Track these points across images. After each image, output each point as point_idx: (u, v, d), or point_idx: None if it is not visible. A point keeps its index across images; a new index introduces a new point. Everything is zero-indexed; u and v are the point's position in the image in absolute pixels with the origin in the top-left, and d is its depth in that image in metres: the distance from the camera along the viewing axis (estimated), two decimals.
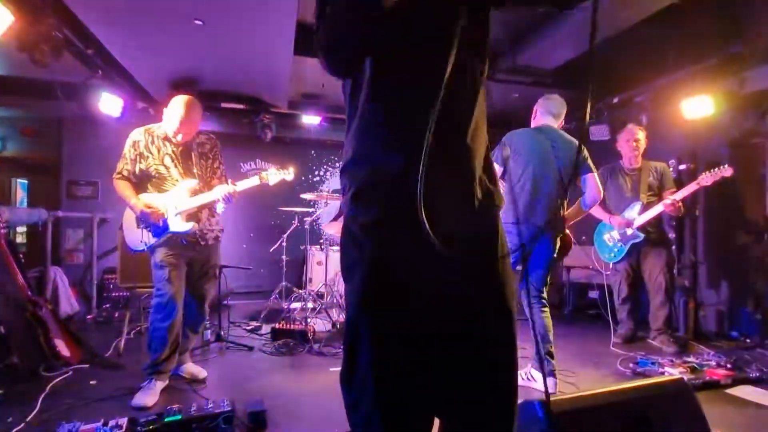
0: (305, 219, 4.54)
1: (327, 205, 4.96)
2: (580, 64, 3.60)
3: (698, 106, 3.36)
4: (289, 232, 4.59)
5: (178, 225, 2.32)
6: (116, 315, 4.27)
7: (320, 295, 4.21)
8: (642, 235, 3.28)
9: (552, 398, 1.15)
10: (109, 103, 3.77)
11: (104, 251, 4.70)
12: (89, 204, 4.73)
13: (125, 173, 2.37)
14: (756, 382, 2.53)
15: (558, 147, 2.47)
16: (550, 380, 2.34)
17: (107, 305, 4.53)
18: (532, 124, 2.68)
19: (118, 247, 3.34)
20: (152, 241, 2.35)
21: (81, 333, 3.20)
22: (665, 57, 3.53)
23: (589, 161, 2.49)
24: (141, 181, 2.40)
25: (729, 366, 2.67)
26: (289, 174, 2.58)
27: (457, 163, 0.89)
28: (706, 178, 3.03)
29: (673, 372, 2.56)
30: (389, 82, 0.87)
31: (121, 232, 2.59)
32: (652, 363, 2.76)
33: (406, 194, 0.81)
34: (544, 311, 2.43)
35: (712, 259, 3.73)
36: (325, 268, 4.28)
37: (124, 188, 2.36)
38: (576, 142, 2.50)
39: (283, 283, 4.48)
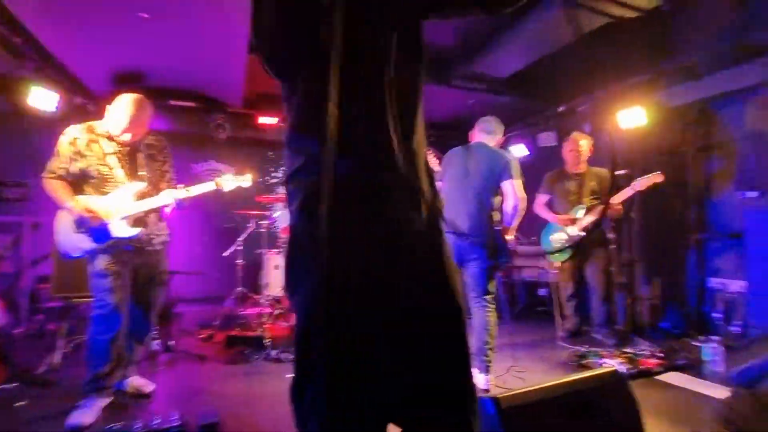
0: (261, 222, 4.43)
1: (284, 209, 4.86)
2: (531, 73, 3.80)
3: (632, 117, 3.64)
4: (244, 235, 4.45)
5: (123, 230, 2.18)
6: (50, 327, 3.93)
7: (278, 300, 4.11)
8: (586, 236, 3.50)
9: (502, 395, 1.21)
10: (40, 98, 3.47)
11: (36, 258, 4.31)
12: (18, 207, 4.32)
13: (60, 173, 2.17)
14: (683, 369, 2.78)
15: (482, 162, 2.61)
16: (482, 377, 2.45)
17: (40, 317, 4.15)
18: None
19: (52, 254, 3.08)
20: (92, 246, 2.18)
21: (6, 348, 2.92)
22: (604, 71, 3.80)
23: (511, 170, 2.57)
24: (77, 182, 2.21)
25: (660, 355, 2.92)
26: (246, 181, 2.51)
27: (403, 167, 0.90)
28: (641, 183, 3.29)
29: (613, 363, 2.76)
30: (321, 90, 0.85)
31: (55, 236, 2.39)
32: (595, 355, 2.96)
33: (356, 200, 0.83)
34: (487, 311, 2.53)
35: (646, 258, 4.06)
36: (283, 272, 4.19)
37: (58, 189, 2.16)
38: (505, 156, 2.63)
39: (239, 289, 4.33)
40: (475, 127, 2.83)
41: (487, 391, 2.42)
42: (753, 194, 2.70)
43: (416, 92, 0.96)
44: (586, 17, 2.73)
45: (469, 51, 3.75)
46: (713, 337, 2.85)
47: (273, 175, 5.71)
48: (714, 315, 3.15)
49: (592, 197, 3.57)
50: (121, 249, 2.21)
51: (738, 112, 3.29)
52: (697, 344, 2.99)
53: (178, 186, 2.33)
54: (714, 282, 3.27)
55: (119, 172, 2.24)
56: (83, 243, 2.19)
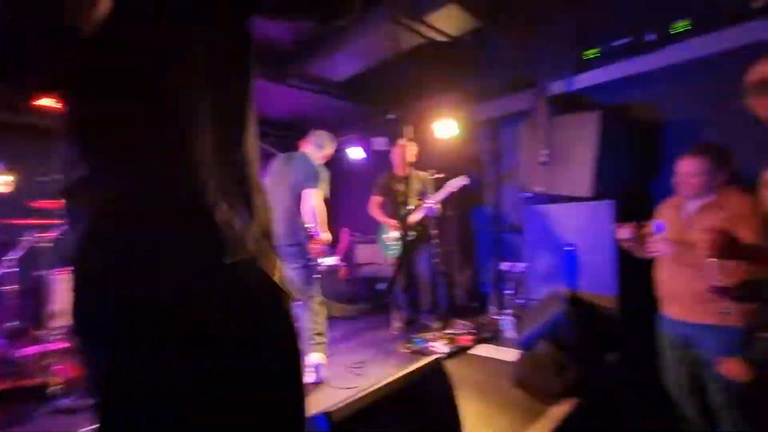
0: (43, 235, 3.46)
1: None
2: (365, 79, 3.97)
3: (446, 128, 4.20)
4: (20, 252, 3.40)
5: None
6: None
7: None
8: (414, 234, 3.88)
9: (333, 408, 1.19)
10: None
11: None
12: None
13: None
14: (488, 341, 3.35)
15: (296, 170, 2.87)
16: (316, 355, 2.69)
17: None
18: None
19: None
20: None
21: None
22: (427, 84, 4.28)
23: (313, 180, 2.80)
24: None
25: (473, 332, 3.45)
26: (4, 184, 1.89)
27: (214, 185, 0.78)
28: (452, 185, 3.81)
29: (437, 345, 3.13)
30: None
31: None
32: (423, 341, 3.30)
33: (151, 225, 0.69)
34: (310, 306, 2.78)
35: (460, 248, 4.76)
36: None
37: None
38: (315, 166, 2.87)
39: (12, 324, 3.29)
40: (307, 137, 3.03)
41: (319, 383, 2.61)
42: (526, 195, 3.45)
43: (240, 99, 0.85)
44: (406, 35, 2.99)
45: (305, 51, 3.70)
46: (506, 311, 3.52)
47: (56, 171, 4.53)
48: (506, 292, 3.91)
49: (418, 198, 3.98)
50: None
51: (515, 129, 4.16)
52: (497, 318, 3.66)
53: None
54: (505, 265, 4.04)
55: None
56: None
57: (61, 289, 3.82)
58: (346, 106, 4.55)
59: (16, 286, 3.40)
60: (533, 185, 3.27)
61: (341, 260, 5.02)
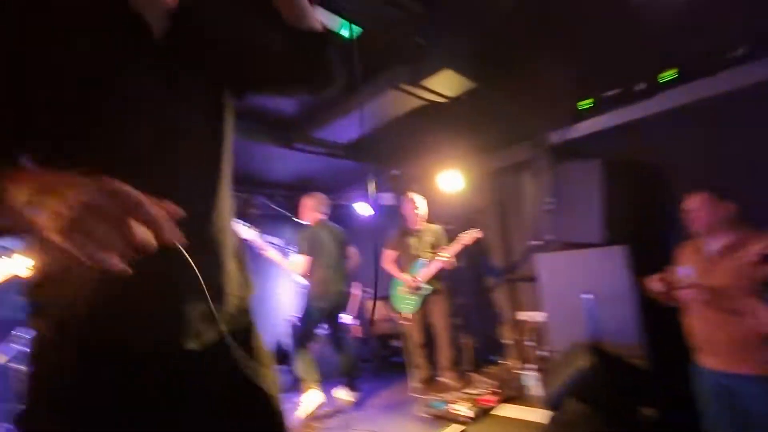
0: None
1: None
2: (367, 141, 4.15)
3: (451, 180, 4.29)
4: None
5: None
6: None
7: None
8: (430, 287, 3.84)
9: None
10: None
11: None
12: None
13: None
14: (513, 400, 3.18)
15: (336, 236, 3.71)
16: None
17: None
18: (306, 218, 3.74)
19: None
20: None
21: None
22: (428, 140, 4.44)
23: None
24: None
25: (495, 390, 3.28)
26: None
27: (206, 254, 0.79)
28: (465, 238, 3.82)
29: (460, 409, 2.96)
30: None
31: None
32: (444, 403, 3.14)
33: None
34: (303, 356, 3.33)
35: (476, 300, 4.66)
36: None
37: None
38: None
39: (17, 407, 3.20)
40: (306, 202, 3.71)
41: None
42: (537, 242, 3.44)
43: (217, 169, 0.84)
44: (406, 99, 3.17)
45: (309, 117, 3.91)
46: (528, 365, 3.37)
47: None
48: (527, 343, 3.76)
49: (431, 251, 3.98)
50: None
51: (518, 179, 4.24)
52: (519, 372, 3.49)
53: None
54: (523, 315, 3.93)
55: None
56: None
57: None
58: (352, 164, 4.71)
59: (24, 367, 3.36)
60: (542, 233, 3.27)
61: (354, 317, 4.92)
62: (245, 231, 3.46)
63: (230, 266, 0.84)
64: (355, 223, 5.57)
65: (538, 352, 3.59)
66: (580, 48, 2.91)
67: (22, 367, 3.33)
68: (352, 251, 4.00)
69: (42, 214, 0.49)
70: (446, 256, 3.79)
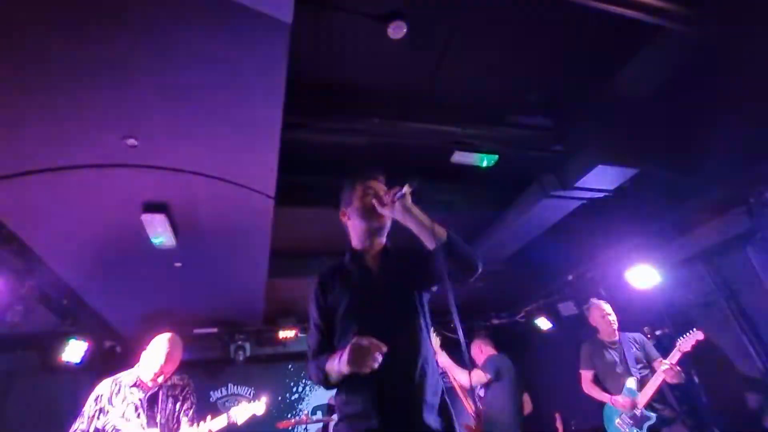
0: None
1: (306, 431, 4.39)
2: (530, 250, 4.02)
3: (643, 276, 3.65)
4: None
5: None
6: None
7: None
8: (654, 415, 3.02)
9: None
10: (72, 350, 3.62)
11: None
12: None
13: None
14: None
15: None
16: None
17: None
18: (483, 356, 3.81)
19: None
20: None
21: None
22: (600, 237, 4.04)
23: None
24: None
25: None
26: (259, 408, 2.38)
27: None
28: (685, 344, 3.03)
29: None
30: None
31: None
32: None
33: None
34: None
35: (731, 428, 3.39)
36: None
37: None
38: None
39: None
40: (479, 342, 3.88)
41: None
42: None
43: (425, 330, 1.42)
44: (562, 204, 3.08)
45: (468, 244, 4.08)
46: None
47: (294, 390, 5.38)
48: None
49: (639, 366, 3.24)
50: None
51: (739, 258, 3.33)
52: None
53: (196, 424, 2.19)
54: None
55: (134, 424, 2.15)
56: None
57: None
58: (520, 279, 4.53)
59: None
60: None
61: None
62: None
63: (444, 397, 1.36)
64: (538, 340, 5.06)
65: None
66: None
67: None
68: (526, 399, 3.98)
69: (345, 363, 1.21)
70: (668, 363, 2.99)
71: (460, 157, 2.69)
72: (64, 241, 2.60)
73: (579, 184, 2.83)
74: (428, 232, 1.33)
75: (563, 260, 4.40)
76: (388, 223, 1.50)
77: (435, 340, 3.45)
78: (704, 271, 3.62)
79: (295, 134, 2.45)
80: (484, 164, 2.74)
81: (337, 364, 1.23)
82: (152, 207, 2.45)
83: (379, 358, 1.14)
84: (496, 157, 2.81)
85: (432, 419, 1.24)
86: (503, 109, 2.70)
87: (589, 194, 2.98)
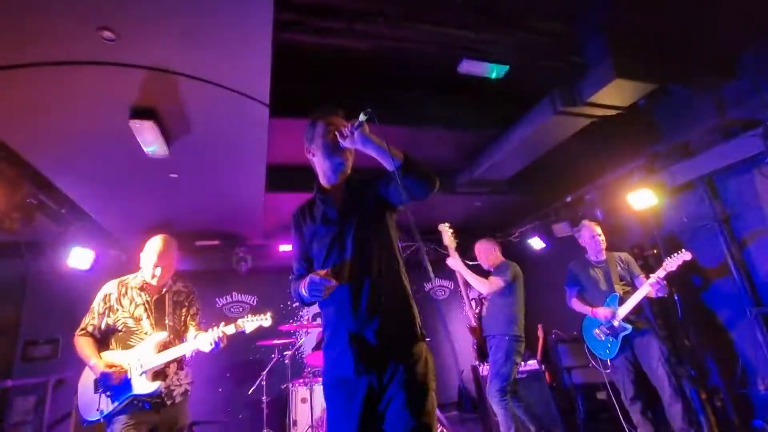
0: (286, 353, 4.27)
1: (308, 334, 4.74)
2: (532, 170, 3.97)
3: (642, 199, 3.66)
4: (268, 368, 4.26)
5: (142, 386, 2.12)
6: None
7: None
8: (629, 327, 3.23)
9: None
10: (78, 258, 3.73)
11: (57, 418, 4.13)
12: (47, 366, 4.30)
13: (90, 329, 2.23)
14: None
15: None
16: None
17: None
18: (487, 262, 3.80)
19: (72, 414, 2.95)
20: (110, 408, 2.10)
21: None
22: (602, 160, 3.96)
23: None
24: (105, 338, 2.25)
25: None
26: (266, 320, 2.50)
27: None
28: (671, 264, 3.13)
29: None
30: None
31: (76, 397, 2.32)
32: None
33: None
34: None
35: (708, 342, 3.67)
36: (310, 405, 3.89)
37: (84, 346, 2.19)
38: None
39: (265, 431, 3.98)
40: (482, 246, 3.80)
41: None
42: None
43: (391, 246, 1.59)
44: (571, 121, 2.94)
45: (469, 161, 4.00)
46: None
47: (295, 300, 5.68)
48: None
49: (622, 283, 3.39)
50: (140, 407, 2.12)
51: (746, 182, 3.30)
52: None
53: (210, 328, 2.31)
54: None
55: (145, 324, 2.28)
56: (102, 404, 2.12)
57: (298, 401, 4.50)
58: (515, 199, 4.53)
59: (266, 398, 4.17)
60: None
61: (539, 362, 4.49)
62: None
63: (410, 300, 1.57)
64: (529, 259, 5.24)
65: None
66: None
67: None
68: None
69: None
70: (655, 277, 3.13)
71: (468, 66, 2.49)
72: (51, 144, 2.51)
73: (592, 99, 2.67)
74: (387, 155, 1.41)
75: (560, 182, 4.38)
76: (351, 158, 1.63)
77: (451, 242, 3.60)
78: (704, 195, 3.62)
79: (290, 35, 2.24)
80: (494, 75, 2.56)
81: (304, 291, 1.46)
82: (140, 112, 2.31)
83: (328, 292, 1.39)
84: (507, 67, 2.61)
85: (395, 325, 1.46)
86: (520, 13, 2.44)
87: (600, 111, 2.83)
